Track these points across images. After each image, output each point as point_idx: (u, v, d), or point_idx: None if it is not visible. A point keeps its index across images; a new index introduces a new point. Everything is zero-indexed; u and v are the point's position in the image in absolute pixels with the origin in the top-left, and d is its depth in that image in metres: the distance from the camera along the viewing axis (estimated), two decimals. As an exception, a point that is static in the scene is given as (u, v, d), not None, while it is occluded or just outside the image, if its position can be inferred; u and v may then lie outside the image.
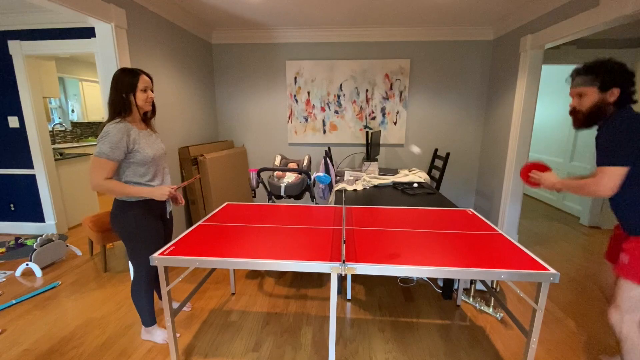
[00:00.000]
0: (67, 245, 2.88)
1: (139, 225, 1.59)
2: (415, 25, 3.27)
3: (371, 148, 3.04)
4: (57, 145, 4.99)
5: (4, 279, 2.50)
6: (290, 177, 2.68)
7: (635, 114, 1.23)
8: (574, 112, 1.37)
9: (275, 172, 2.76)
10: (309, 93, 3.64)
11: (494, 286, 2.32)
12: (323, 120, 3.70)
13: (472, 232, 1.69)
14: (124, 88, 1.51)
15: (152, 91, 1.60)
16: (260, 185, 2.67)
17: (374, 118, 3.65)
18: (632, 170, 1.22)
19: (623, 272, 1.29)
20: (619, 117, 1.25)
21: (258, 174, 2.59)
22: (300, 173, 2.62)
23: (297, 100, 3.67)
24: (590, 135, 3.75)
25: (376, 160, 3.21)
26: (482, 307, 2.08)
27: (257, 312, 2.08)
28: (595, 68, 1.29)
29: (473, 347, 1.77)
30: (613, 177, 1.22)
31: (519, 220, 3.06)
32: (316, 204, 2.39)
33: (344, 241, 1.53)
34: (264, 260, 1.37)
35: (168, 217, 1.80)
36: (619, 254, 1.36)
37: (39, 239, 2.66)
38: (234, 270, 2.40)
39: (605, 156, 1.24)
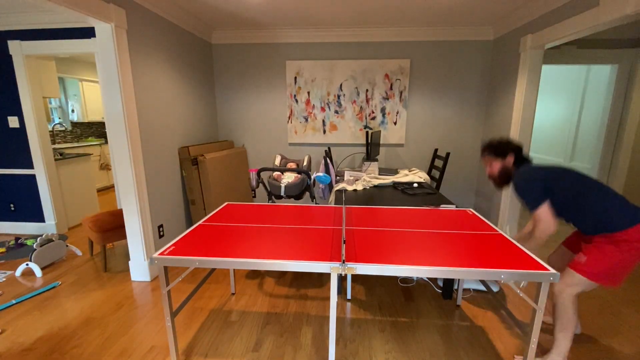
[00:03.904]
0: (67, 245, 2.88)
1: None
2: (415, 25, 3.27)
3: (371, 148, 3.04)
4: (57, 145, 5.00)
5: (4, 279, 2.50)
6: (290, 177, 2.68)
7: (525, 168, 1.63)
8: (490, 177, 1.80)
9: (275, 172, 2.76)
10: (309, 93, 3.64)
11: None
12: (323, 120, 3.70)
13: (472, 232, 1.69)
14: None
15: None
16: (260, 185, 2.67)
17: (374, 118, 3.65)
18: (553, 198, 1.52)
19: (577, 269, 1.50)
20: (516, 175, 1.64)
21: (258, 174, 2.59)
22: (300, 173, 2.62)
23: (297, 100, 3.67)
24: (589, 134, 3.75)
25: (376, 160, 3.21)
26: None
27: (257, 312, 2.08)
28: (492, 145, 1.77)
29: (473, 347, 1.77)
30: (545, 215, 1.51)
31: (518, 220, 3.06)
32: (316, 204, 2.39)
33: (344, 241, 1.53)
34: (264, 260, 1.37)
35: None
36: (576, 246, 1.70)
37: (39, 239, 2.66)
38: (234, 270, 2.40)
39: (528, 204, 1.56)
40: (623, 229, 1.41)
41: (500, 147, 1.73)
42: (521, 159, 1.70)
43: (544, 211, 1.51)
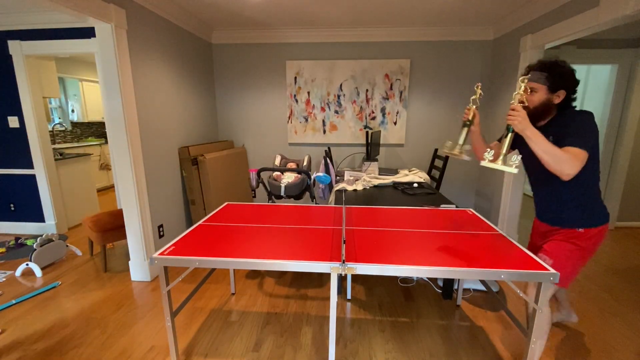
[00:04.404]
0: (67, 245, 2.88)
1: None
2: (415, 25, 3.27)
3: (371, 148, 3.04)
4: (57, 145, 5.00)
5: (4, 279, 2.50)
6: (290, 177, 2.68)
7: (588, 114, 1.32)
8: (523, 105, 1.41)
9: (275, 172, 2.76)
10: (309, 93, 3.64)
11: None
12: (323, 120, 3.70)
13: (472, 232, 1.69)
14: None
15: None
16: (260, 185, 2.67)
17: (374, 118, 3.65)
18: (586, 165, 1.28)
19: None
20: (579, 113, 1.32)
21: (258, 174, 2.59)
22: (300, 173, 2.62)
23: (297, 100, 3.67)
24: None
25: (376, 160, 3.20)
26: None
27: (257, 312, 2.08)
28: (553, 69, 1.34)
29: (473, 347, 1.77)
30: (582, 160, 1.24)
31: (519, 220, 3.06)
32: (316, 204, 2.39)
33: (344, 241, 1.53)
34: (264, 260, 1.37)
35: None
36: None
37: (39, 239, 2.66)
38: (234, 270, 2.40)
39: (579, 138, 1.26)
40: (594, 226, 1.37)
41: (562, 78, 1.33)
42: (569, 100, 1.38)
43: (585, 156, 1.24)
